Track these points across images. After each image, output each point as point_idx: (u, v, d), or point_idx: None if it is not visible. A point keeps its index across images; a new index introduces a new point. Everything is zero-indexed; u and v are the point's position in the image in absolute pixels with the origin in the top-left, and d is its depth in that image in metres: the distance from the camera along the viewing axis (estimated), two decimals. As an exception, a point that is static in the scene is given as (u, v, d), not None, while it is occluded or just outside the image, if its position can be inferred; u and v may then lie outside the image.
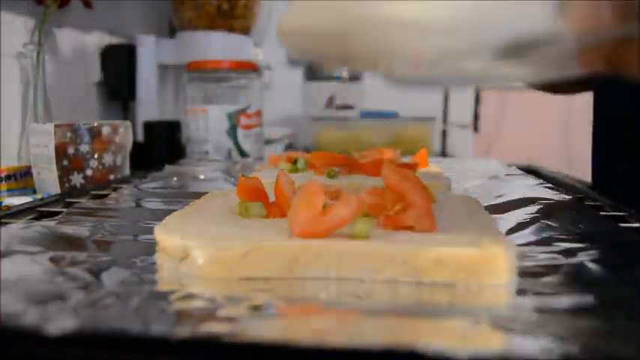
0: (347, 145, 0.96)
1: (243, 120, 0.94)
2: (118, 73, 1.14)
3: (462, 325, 0.25)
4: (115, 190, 0.60)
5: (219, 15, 1.19)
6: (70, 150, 0.66)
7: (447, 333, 0.24)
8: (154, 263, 0.34)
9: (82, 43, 1.06)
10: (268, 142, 1.24)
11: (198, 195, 0.51)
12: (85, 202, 0.53)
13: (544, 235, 0.40)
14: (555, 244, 0.38)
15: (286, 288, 0.31)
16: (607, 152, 0.72)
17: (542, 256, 0.36)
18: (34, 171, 0.67)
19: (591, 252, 0.35)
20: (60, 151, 0.65)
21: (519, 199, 0.52)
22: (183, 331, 0.23)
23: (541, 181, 0.62)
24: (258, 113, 0.97)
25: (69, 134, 0.66)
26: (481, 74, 0.27)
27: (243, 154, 0.95)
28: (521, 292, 0.30)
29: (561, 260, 0.34)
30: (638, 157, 0.64)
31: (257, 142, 0.97)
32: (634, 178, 0.64)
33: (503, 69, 0.26)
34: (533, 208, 0.48)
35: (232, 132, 0.94)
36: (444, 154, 1.58)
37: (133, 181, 0.66)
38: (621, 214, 0.49)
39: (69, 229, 0.41)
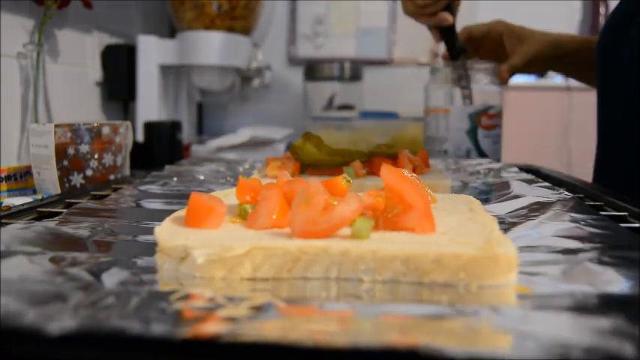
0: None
1: (484, 120, 0.94)
2: (118, 73, 1.14)
3: (462, 325, 0.25)
4: (115, 190, 0.60)
5: (219, 15, 1.19)
6: (70, 150, 0.66)
7: (447, 333, 0.24)
8: (154, 263, 0.34)
9: (82, 43, 1.06)
10: (269, 142, 1.24)
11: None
12: (85, 202, 0.53)
13: (544, 234, 0.40)
14: (555, 244, 0.38)
15: (286, 288, 0.31)
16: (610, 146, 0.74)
17: (542, 256, 0.36)
18: (34, 171, 0.67)
19: (591, 252, 0.35)
20: (60, 151, 0.65)
21: (520, 199, 0.52)
22: (183, 331, 0.23)
23: (541, 180, 0.62)
24: (500, 114, 0.97)
25: (69, 134, 0.66)
26: None
27: (482, 154, 0.95)
28: (521, 291, 0.30)
29: (561, 260, 0.34)
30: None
31: (495, 143, 0.97)
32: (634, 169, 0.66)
33: None
34: (533, 208, 0.48)
35: (473, 132, 0.94)
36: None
37: (133, 181, 0.66)
38: (621, 214, 0.49)
39: (69, 230, 0.41)
